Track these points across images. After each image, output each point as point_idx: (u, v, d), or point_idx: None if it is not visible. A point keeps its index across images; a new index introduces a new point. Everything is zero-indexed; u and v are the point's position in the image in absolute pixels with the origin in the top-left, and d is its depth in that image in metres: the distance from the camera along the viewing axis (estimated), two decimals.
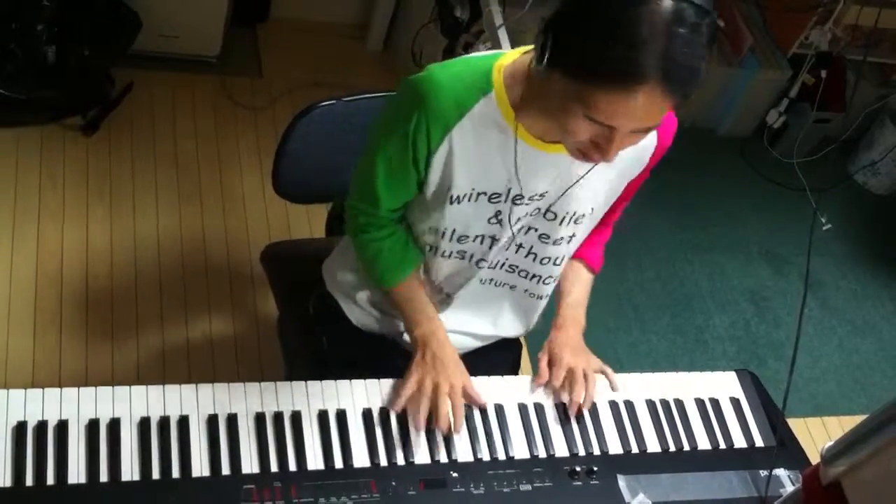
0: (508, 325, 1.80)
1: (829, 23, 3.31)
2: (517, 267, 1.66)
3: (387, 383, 1.58)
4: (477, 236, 1.57)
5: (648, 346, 2.95)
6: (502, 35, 2.68)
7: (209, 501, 1.37)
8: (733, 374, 1.78)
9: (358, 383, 1.57)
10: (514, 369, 1.95)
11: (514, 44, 2.62)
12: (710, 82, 3.52)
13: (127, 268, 2.63)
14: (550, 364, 1.66)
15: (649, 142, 1.53)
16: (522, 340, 2.01)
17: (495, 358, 1.88)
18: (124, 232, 2.71)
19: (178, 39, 3.10)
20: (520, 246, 1.61)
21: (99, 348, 2.45)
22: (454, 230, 1.55)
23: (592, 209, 1.58)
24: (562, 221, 1.56)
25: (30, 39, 2.69)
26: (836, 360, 3.13)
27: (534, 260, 1.64)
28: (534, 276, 1.67)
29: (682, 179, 3.50)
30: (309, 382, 1.55)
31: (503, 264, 1.65)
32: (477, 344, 1.82)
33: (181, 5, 2.99)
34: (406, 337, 1.74)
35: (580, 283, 1.76)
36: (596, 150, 1.32)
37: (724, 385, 1.76)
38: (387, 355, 1.76)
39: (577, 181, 1.50)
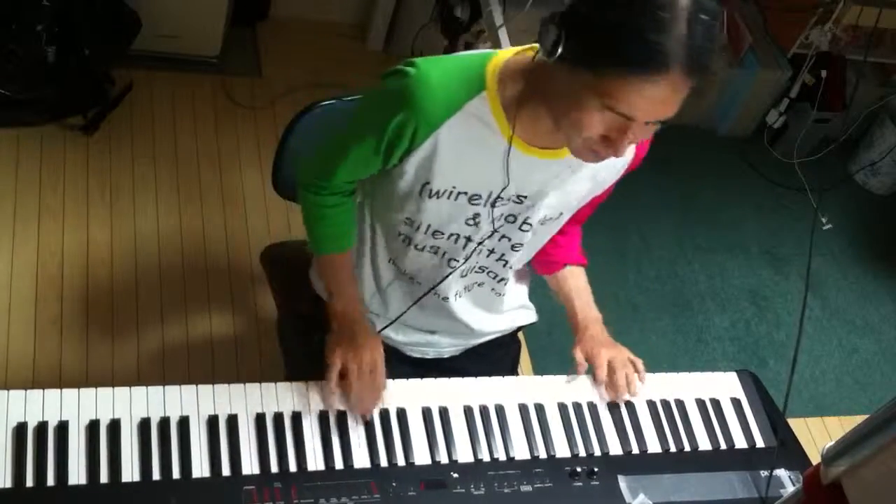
0: (487, 324, 1.80)
1: (829, 23, 3.30)
2: (486, 268, 1.67)
3: (389, 384, 1.58)
4: (452, 234, 1.56)
5: (648, 346, 2.95)
6: (502, 35, 2.68)
7: (209, 502, 1.37)
8: (734, 374, 1.79)
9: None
10: (514, 369, 1.95)
11: (515, 44, 2.62)
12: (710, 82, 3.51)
13: (127, 268, 2.63)
14: (590, 362, 1.68)
15: (628, 153, 1.53)
16: (522, 340, 2.01)
17: (495, 358, 1.88)
18: (124, 232, 2.71)
19: (178, 39, 3.10)
20: (491, 251, 1.62)
21: (99, 348, 2.45)
22: (429, 225, 1.54)
23: (561, 213, 1.59)
24: (531, 226, 1.57)
25: (30, 39, 2.69)
26: (836, 360, 3.13)
27: (504, 266, 1.66)
28: (500, 278, 1.69)
29: (683, 179, 3.50)
30: (309, 383, 1.55)
31: (473, 267, 1.66)
32: (471, 342, 1.82)
33: (181, 5, 2.98)
34: (390, 334, 1.75)
35: (581, 284, 1.78)
36: (607, 145, 1.30)
37: (724, 385, 1.76)
38: None
39: (554, 180, 1.50)
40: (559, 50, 1.25)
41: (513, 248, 1.61)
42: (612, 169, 1.56)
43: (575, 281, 1.77)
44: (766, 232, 3.45)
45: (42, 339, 2.42)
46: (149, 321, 2.53)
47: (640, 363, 1.71)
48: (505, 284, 1.71)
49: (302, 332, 1.87)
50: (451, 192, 1.49)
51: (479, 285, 1.71)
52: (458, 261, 1.60)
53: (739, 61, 3.51)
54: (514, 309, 1.83)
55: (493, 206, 1.51)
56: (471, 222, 1.53)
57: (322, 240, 1.66)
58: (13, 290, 2.49)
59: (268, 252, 2.11)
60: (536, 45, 1.32)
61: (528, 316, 1.86)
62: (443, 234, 1.56)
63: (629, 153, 1.52)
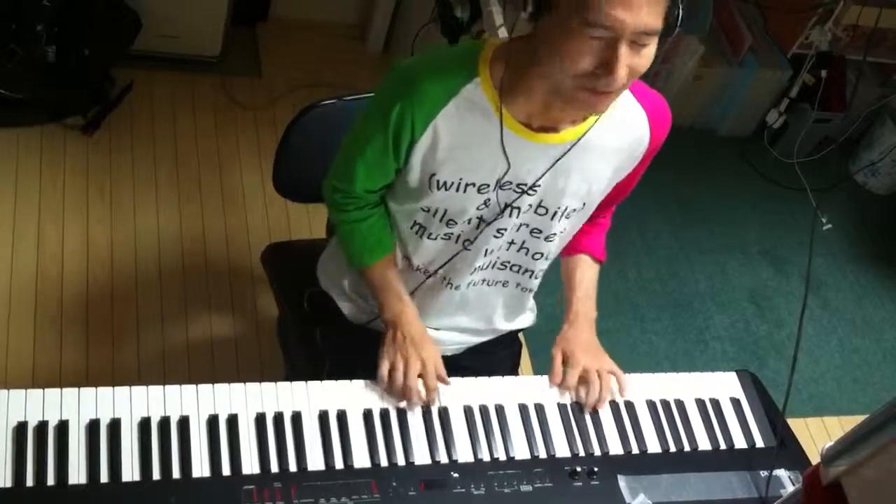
0: (502, 321, 1.80)
1: (829, 23, 3.30)
2: (509, 262, 1.67)
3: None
4: (467, 219, 1.57)
5: (648, 346, 2.95)
6: (502, 35, 2.68)
7: (209, 502, 1.37)
8: (734, 374, 1.78)
9: (358, 383, 1.56)
10: (514, 369, 1.95)
11: None
12: (710, 82, 3.52)
13: (127, 267, 2.63)
14: (565, 363, 1.67)
15: (643, 135, 1.54)
16: (523, 340, 2.01)
17: (495, 358, 1.88)
18: (124, 232, 2.71)
19: (178, 39, 3.10)
20: (511, 242, 1.62)
21: (99, 348, 2.45)
22: (445, 211, 1.55)
23: (584, 204, 1.59)
24: (553, 216, 1.57)
25: (30, 39, 2.69)
26: (836, 360, 3.13)
27: (526, 254, 1.65)
28: (526, 270, 1.68)
29: (682, 179, 3.50)
30: (309, 383, 1.55)
31: (495, 263, 1.66)
32: (474, 340, 1.83)
33: (181, 5, 2.99)
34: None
35: (589, 276, 1.77)
36: (602, 74, 1.30)
37: (724, 385, 1.76)
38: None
39: (563, 165, 1.50)
40: (529, 7, 1.31)
41: (532, 233, 1.60)
42: (630, 154, 1.56)
43: (584, 272, 1.76)
44: (766, 232, 3.45)
45: (42, 338, 2.42)
46: (149, 321, 2.53)
47: (622, 378, 1.68)
48: (536, 279, 1.70)
49: (302, 332, 1.87)
50: (458, 184, 1.50)
51: (503, 284, 1.71)
52: (472, 242, 1.60)
53: (739, 61, 3.51)
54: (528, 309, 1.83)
55: (500, 188, 1.51)
56: (482, 206, 1.54)
57: (357, 255, 1.66)
58: (13, 290, 2.49)
59: (268, 252, 2.11)
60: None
61: (530, 318, 1.86)
62: (456, 222, 1.57)
63: (644, 132, 1.53)
